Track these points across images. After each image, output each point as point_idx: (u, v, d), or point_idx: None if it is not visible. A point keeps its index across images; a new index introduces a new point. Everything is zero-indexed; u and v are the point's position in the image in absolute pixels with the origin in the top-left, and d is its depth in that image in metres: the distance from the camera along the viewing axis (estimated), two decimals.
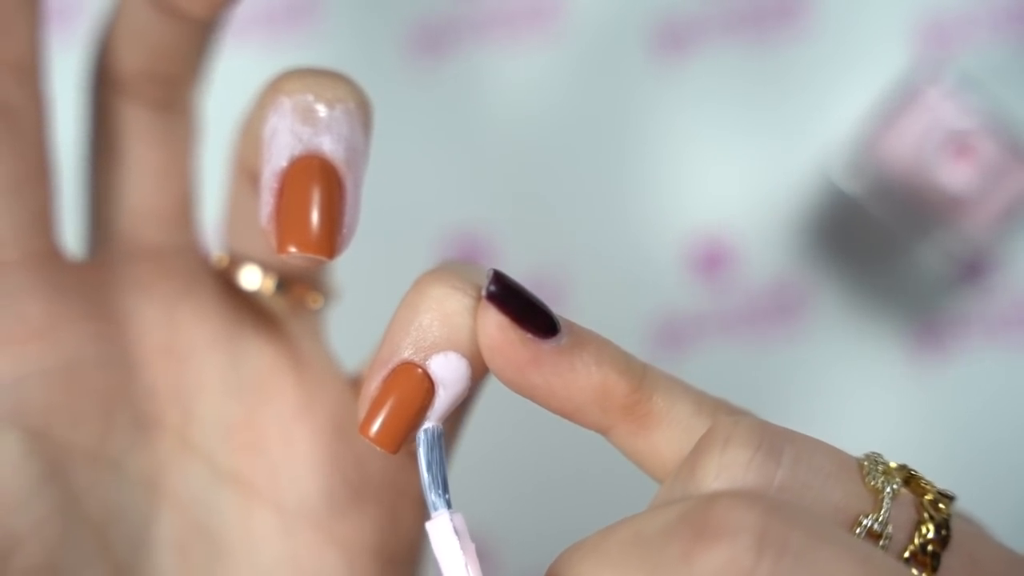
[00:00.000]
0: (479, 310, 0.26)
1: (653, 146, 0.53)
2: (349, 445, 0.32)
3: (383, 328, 0.28)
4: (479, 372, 0.27)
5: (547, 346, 0.26)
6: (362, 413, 0.27)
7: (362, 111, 0.29)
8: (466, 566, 0.26)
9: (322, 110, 0.28)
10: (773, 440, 0.25)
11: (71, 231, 0.33)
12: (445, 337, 0.27)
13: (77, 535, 0.30)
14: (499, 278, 0.26)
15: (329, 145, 0.28)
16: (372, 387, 0.27)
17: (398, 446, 0.27)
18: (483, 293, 0.26)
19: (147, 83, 0.31)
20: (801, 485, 0.24)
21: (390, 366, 0.27)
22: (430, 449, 0.27)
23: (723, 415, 0.27)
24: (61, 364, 0.30)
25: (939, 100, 0.48)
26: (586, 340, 0.27)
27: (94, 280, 0.31)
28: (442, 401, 0.27)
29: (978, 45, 0.52)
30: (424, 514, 0.32)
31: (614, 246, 0.52)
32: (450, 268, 0.28)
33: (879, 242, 0.51)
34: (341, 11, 0.53)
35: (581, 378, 0.26)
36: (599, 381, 0.26)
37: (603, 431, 0.27)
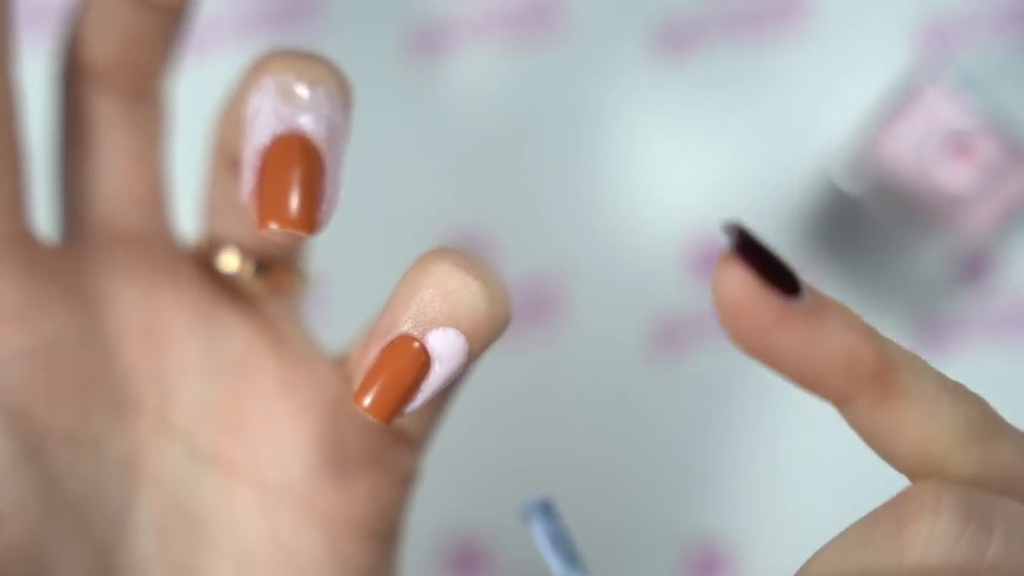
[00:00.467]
0: (719, 267, 0.24)
1: (653, 146, 0.52)
2: (330, 423, 0.32)
3: None
4: (475, 351, 0.27)
5: (795, 306, 0.24)
6: (357, 383, 0.27)
7: (342, 92, 0.29)
8: None
9: (304, 91, 0.28)
10: (984, 510, 0.23)
11: (44, 221, 0.33)
12: (446, 313, 0.27)
13: (56, 515, 0.30)
14: (741, 232, 0.24)
15: (310, 124, 0.28)
16: (369, 358, 0.27)
17: (391, 417, 0.27)
18: (727, 247, 0.24)
19: (118, 72, 0.31)
20: (1014, 564, 0.23)
21: (388, 338, 0.27)
22: (548, 524, 0.25)
23: (967, 402, 0.25)
24: (38, 345, 0.30)
25: (939, 100, 0.48)
26: (829, 302, 0.25)
27: (70, 263, 0.32)
28: (437, 376, 0.27)
29: (978, 45, 0.52)
30: (407, 489, 0.32)
31: (613, 246, 0.52)
32: (452, 248, 0.28)
33: (879, 242, 0.50)
34: (341, 11, 0.53)
35: (830, 342, 0.24)
36: (847, 345, 0.24)
37: (842, 402, 0.25)
